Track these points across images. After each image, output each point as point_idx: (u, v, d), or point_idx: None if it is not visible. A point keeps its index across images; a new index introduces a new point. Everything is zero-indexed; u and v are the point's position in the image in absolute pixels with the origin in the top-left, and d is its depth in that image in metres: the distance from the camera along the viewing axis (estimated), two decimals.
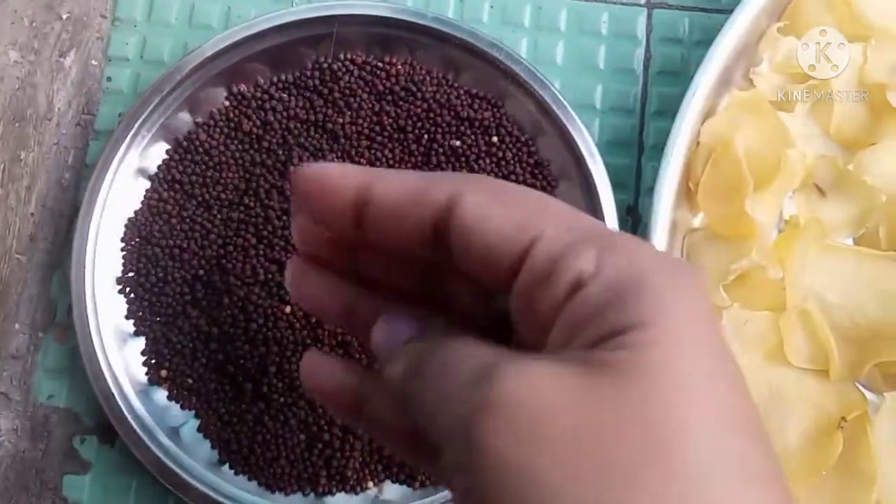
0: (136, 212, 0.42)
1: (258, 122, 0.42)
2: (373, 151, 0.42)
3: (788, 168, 0.40)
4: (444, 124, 0.42)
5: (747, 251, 0.39)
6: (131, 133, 0.41)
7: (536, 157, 0.42)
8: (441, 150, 0.42)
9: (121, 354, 0.40)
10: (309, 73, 0.43)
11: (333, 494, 0.40)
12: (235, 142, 0.43)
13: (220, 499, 0.38)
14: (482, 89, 0.43)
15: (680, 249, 0.41)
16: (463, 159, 0.41)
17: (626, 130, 0.45)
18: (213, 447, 0.40)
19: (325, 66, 0.43)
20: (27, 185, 0.42)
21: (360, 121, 0.42)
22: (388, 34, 0.43)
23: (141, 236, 0.42)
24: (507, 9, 0.46)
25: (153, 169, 0.43)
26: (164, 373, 0.40)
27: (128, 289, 0.41)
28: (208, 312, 0.40)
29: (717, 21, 0.45)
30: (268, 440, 0.39)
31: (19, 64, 0.40)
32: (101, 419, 0.41)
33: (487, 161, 0.42)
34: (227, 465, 0.40)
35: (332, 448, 0.39)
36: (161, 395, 0.40)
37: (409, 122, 0.42)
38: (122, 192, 0.42)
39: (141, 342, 0.41)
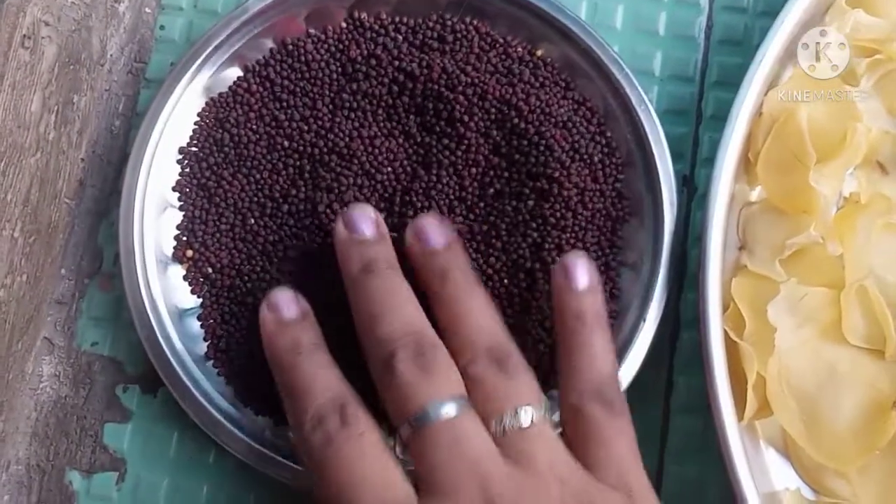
0: (220, 94, 0.42)
1: (365, 52, 0.42)
2: (451, 110, 0.41)
3: (855, 141, 0.39)
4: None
5: (806, 226, 0.38)
6: (183, 80, 0.41)
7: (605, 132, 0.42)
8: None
9: (163, 289, 0.40)
10: (431, 24, 0.42)
11: None
12: (338, 64, 0.42)
13: (260, 447, 0.38)
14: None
15: (736, 223, 0.40)
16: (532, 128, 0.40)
17: (684, 99, 0.44)
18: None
19: (449, 22, 0.42)
20: (78, 130, 0.42)
21: (454, 82, 0.41)
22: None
23: (217, 118, 0.42)
24: None
25: None
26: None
27: (185, 161, 0.42)
28: (266, 222, 0.41)
29: None
30: None
31: (76, 6, 0.40)
32: (144, 368, 0.41)
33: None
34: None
35: None
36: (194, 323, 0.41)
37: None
38: (172, 139, 0.41)
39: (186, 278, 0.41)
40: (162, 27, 0.45)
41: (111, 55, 0.44)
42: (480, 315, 0.34)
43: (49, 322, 0.42)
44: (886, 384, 0.37)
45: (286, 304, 0.36)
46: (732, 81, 0.42)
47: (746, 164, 0.40)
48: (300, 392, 0.33)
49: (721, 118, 0.39)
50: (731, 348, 0.37)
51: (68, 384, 0.42)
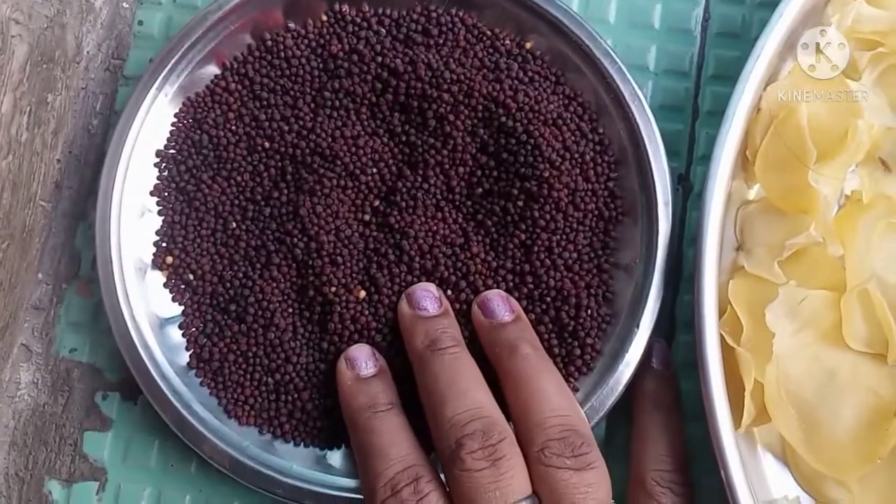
0: (197, 93, 0.41)
1: (347, 48, 0.40)
2: (437, 108, 0.39)
3: (856, 139, 0.37)
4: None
5: (806, 226, 0.37)
6: (159, 78, 0.39)
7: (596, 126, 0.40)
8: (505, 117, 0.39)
9: (143, 298, 0.39)
10: (415, 17, 0.41)
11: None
12: (319, 60, 0.41)
13: (245, 460, 0.37)
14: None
15: (733, 222, 0.39)
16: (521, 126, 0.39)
17: (679, 94, 0.43)
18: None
19: (434, 14, 0.41)
20: (53, 130, 0.40)
21: (440, 80, 0.39)
22: None
23: (195, 119, 0.40)
24: None
25: None
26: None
27: (163, 165, 0.40)
28: (247, 226, 0.40)
29: None
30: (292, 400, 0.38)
31: (48, 2, 0.38)
32: (124, 375, 0.40)
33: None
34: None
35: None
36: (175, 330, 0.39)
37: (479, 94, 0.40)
38: (150, 140, 0.40)
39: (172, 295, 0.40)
40: (140, 22, 0.44)
41: (87, 52, 0.42)
42: (552, 395, 0.34)
43: (26, 328, 0.41)
44: (888, 390, 0.36)
45: (364, 360, 0.37)
46: (730, 75, 0.40)
47: (744, 162, 0.39)
48: (376, 455, 0.33)
49: (718, 114, 0.38)
50: (728, 353, 0.36)
51: (46, 392, 0.40)
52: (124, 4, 0.43)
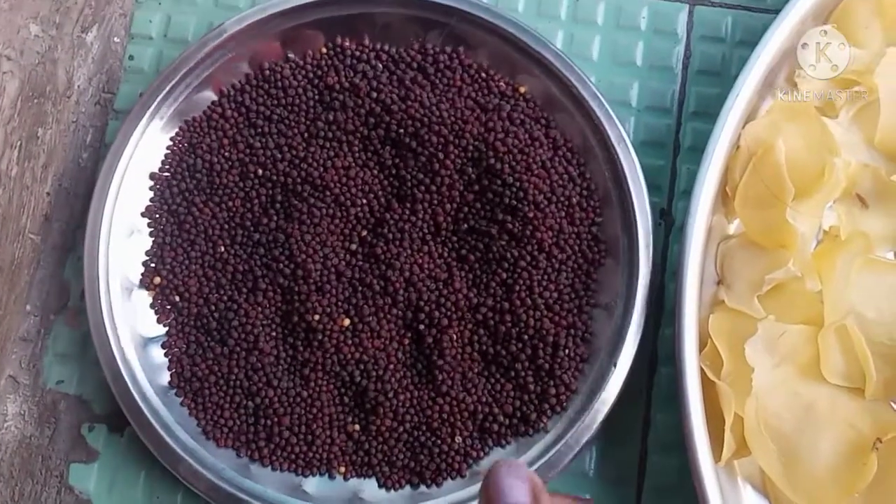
0: (194, 118, 0.42)
1: (345, 81, 0.41)
2: (427, 145, 0.40)
3: (833, 177, 0.38)
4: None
5: (784, 261, 0.38)
6: (149, 112, 0.40)
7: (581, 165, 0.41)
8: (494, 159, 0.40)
9: (127, 316, 0.39)
10: (412, 54, 0.42)
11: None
12: (315, 91, 0.42)
13: (237, 493, 0.37)
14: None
15: (714, 256, 0.40)
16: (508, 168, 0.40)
17: (661, 130, 0.43)
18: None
19: (431, 51, 0.42)
20: (43, 164, 0.41)
21: (432, 118, 0.40)
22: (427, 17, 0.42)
23: (190, 143, 0.41)
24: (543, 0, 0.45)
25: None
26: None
27: (156, 186, 0.41)
28: (236, 250, 0.40)
29: (760, 21, 0.44)
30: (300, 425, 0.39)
31: (40, 38, 0.39)
32: (111, 407, 0.40)
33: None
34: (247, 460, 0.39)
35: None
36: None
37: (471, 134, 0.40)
38: (139, 173, 0.41)
39: (159, 337, 0.40)
40: (131, 57, 0.44)
41: (78, 86, 0.43)
42: None
43: (14, 360, 0.41)
44: (866, 424, 0.37)
45: (522, 496, 0.29)
46: (710, 112, 0.41)
47: (724, 197, 0.40)
48: None
49: (699, 150, 0.39)
50: (709, 386, 0.36)
51: (33, 423, 0.41)
52: (115, 39, 0.44)
